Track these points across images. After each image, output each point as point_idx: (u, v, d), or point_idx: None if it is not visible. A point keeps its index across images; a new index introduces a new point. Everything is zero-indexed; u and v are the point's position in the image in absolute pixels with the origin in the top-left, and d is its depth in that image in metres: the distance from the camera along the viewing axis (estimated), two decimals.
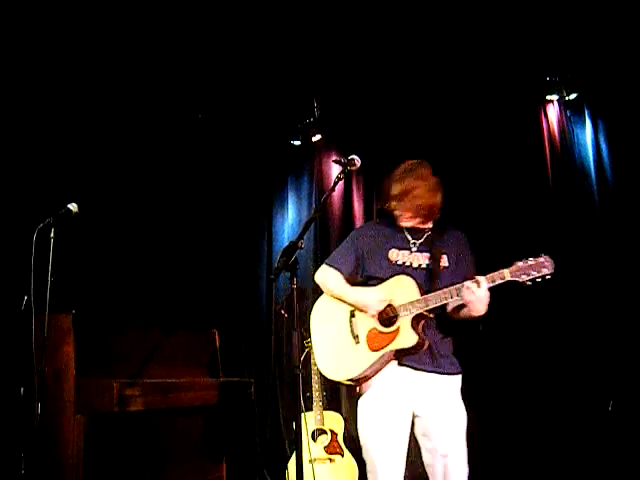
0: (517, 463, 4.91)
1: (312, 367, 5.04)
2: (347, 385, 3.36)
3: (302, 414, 4.02)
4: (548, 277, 2.98)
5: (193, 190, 6.22)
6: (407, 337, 3.11)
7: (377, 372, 3.21)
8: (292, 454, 4.83)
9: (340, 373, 3.27)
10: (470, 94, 5.53)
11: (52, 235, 3.59)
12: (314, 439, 4.93)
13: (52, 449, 3.96)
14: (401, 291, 3.17)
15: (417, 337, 3.09)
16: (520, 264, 3.03)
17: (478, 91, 5.51)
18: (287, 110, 6.37)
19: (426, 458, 3.19)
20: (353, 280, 3.39)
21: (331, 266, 3.43)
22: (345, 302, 3.33)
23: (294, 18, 5.21)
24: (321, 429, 4.96)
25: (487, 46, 5.31)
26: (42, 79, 5.12)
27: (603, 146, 5.20)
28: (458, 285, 3.04)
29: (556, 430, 4.85)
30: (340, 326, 3.31)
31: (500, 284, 3.02)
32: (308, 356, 5.02)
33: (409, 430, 3.21)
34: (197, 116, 6.26)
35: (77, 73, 5.27)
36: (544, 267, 3.00)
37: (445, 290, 3.08)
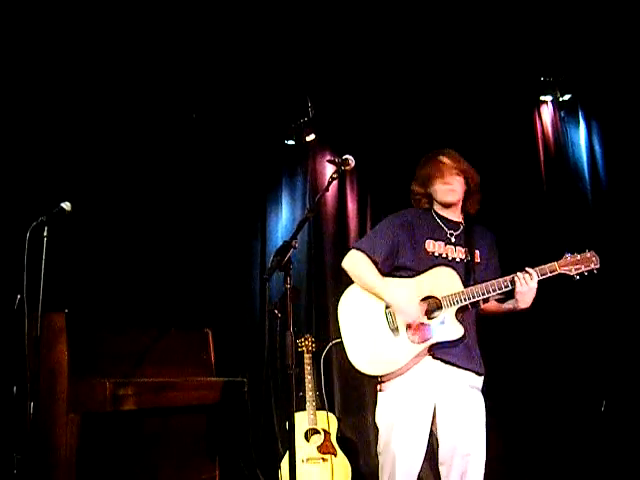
0: (509, 463, 4.92)
1: (305, 367, 5.04)
2: (371, 378, 3.29)
3: (295, 414, 4.02)
4: (595, 272, 3.11)
5: (187, 190, 6.21)
6: (453, 329, 3.12)
7: (412, 366, 3.18)
8: (285, 454, 4.83)
9: (379, 367, 3.19)
10: (464, 94, 5.53)
11: (45, 234, 3.58)
12: (307, 439, 4.93)
13: (45, 449, 3.96)
14: (443, 282, 3.17)
15: (463, 329, 3.10)
16: (569, 258, 3.13)
17: (472, 91, 5.51)
18: (281, 110, 6.36)
19: (443, 456, 3.15)
20: (384, 269, 3.32)
21: (364, 252, 3.31)
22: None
23: (288, 18, 5.21)
24: (314, 429, 4.96)
25: (481, 47, 5.31)
26: (36, 78, 5.11)
27: (597, 147, 5.21)
28: (508, 277, 3.12)
29: (549, 430, 4.86)
30: (375, 318, 3.24)
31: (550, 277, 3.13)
32: (301, 356, 5.02)
33: (428, 427, 3.17)
34: (191, 116, 6.25)
35: (71, 72, 5.25)
36: (592, 262, 3.11)
37: (495, 281, 3.12)
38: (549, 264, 3.14)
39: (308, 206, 6.32)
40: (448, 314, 3.13)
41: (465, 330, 3.13)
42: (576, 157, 5.31)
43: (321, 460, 4.84)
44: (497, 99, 5.46)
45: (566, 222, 5.12)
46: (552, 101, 5.47)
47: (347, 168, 3.15)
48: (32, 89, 5.10)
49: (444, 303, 3.13)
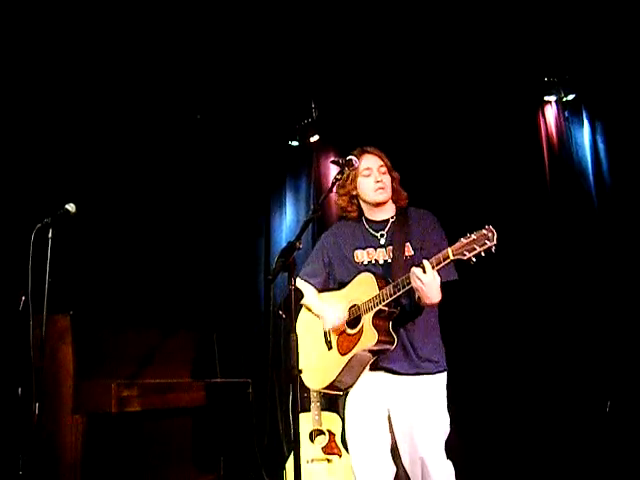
0: (514, 464, 4.91)
1: None
2: (331, 395, 3.30)
3: (300, 414, 4.02)
4: (493, 250, 2.75)
5: (191, 191, 6.23)
6: (369, 336, 3.02)
7: (357, 377, 3.14)
8: (290, 454, 4.83)
9: (317, 382, 3.22)
10: (468, 95, 5.53)
11: (50, 235, 3.59)
12: (312, 440, 4.93)
13: (50, 449, 3.97)
14: (362, 290, 3.09)
15: (377, 335, 2.97)
16: (463, 240, 2.79)
17: (476, 92, 5.51)
18: (285, 111, 6.37)
19: (405, 461, 3.10)
20: (326, 287, 3.35)
21: (301, 278, 3.38)
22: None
23: (292, 19, 5.21)
24: (319, 430, 4.95)
25: (485, 47, 5.31)
26: (41, 80, 5.12)
27: (601, 147, 5.21)
28: (405, 275, 2.92)
29: (554, 431, 4.85)
30: (316, 335, 3.26)
31: (446, 264, 2.83)
32: None
33: (387, 436, 3.14)
34: (195, 117, 6.26)
35: (76, 74, 5.27)
36: (487, 239, 2.75)
37: (397, 281, 2.96)
38: (442, 252, 2.82)
39: (312, 207, 6.31)
40: (365, 321, 3.04)
41: (388, 335, 3.01)
42: (580, 157, 5.30)
43: (326, 461, 4.84)
44: (501, 99, 5.46)
45: (570, 221, 5.12)
46: (556, 101, 5.47)
47: (351, 169, 3.14)
48: (37, 91, 5.12)
49: (362, 310, 3.07)
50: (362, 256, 3.24)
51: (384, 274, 3.11)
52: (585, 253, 5.01)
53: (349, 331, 3.12)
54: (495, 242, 2.74)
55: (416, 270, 2.82)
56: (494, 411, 5.04)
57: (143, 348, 4.72)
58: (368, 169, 3.25)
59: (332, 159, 3.28)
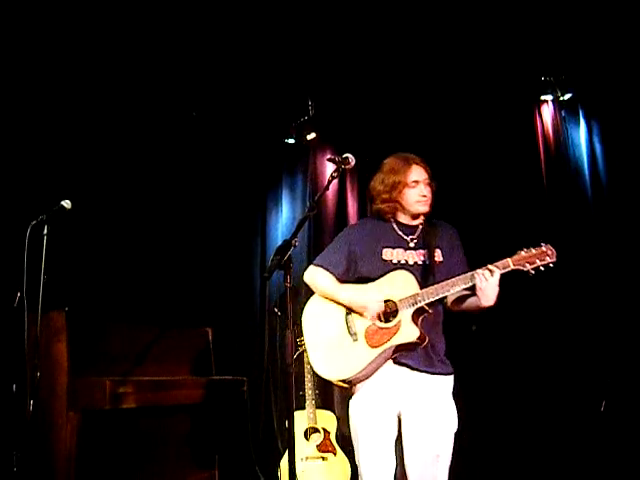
0: (509, 463, 4.92)
1: (305, 366, 5.04)
2: (340, 387, 3.32)
3: (295, 412, 4.02)
4: (551, 265, 3.01)
5: (187, 188, 6.21)
6: (409, 331, 3.08)
7: (374, 371, 3.16)
8: (285, 452, 4.83)
9: (338, 373, 3.20)
10: (465, 93, 5.54)
11: (45, 232, 3.58)
12: (307, 437, 4.93)
13: (44, 446, 3.96)
14: (399, 286, 3.14)
15: (419, 331, 3.06)
16: (523, 253, 3.04)
17: (473, 91, 5.51)
18: (281, 108, 6.36)
19: (410, 460, 3.13)
20: (343, 280, 3.33)
21: (320, 266, 3.35)
22: (339, 303, 3.27)
23: (289, 16, 5.20)
24: (314, 427, 4.96)
25: (482, 46, 5.31)
26: (35, 76, 5.10)
27: (597, 146, 5.21)
28: (468, 273, 3.05)
29: (548, 430, 4.86)
30: (336, 325, 3.25)
31: (506, 273, 3.05)
32: (301, 355, 5.02)
33: (394, 431, 3.17)
34: (191, 114, 6.25)
35: (71, 70, 5.25)
36: (547, 256, 3.01)
37: (451, 280, 3.06)
38: (502, 260, 3.05)
39: (308, 205, 6.32)
40: (404, 317, 3.10)
41: (424, 333, 3.10)
42: (576, 156, 5.31)
43: (321, 459, 4.84)
44: (498, 98, 5.47)
45: (566, 221, 5.13)
46: (553, 100, 5.47)
47: (347, 167, 3.15)
48: (32, 88, 5.10)
49: (400, 306, 3.11)
50: (391, 255, 3.27)
51: (415, 275, 3.17)
52: (581, 252, 5.02)
53: (381, 325, 3.13)
54: (555, 260, 3.01)
55: (484, 271, 3.01)
56: (488, 410, 5.05)
57: (138, 345, 4.72)
58: (415, 182, 3.30)
59: (329, 157, 3.27)
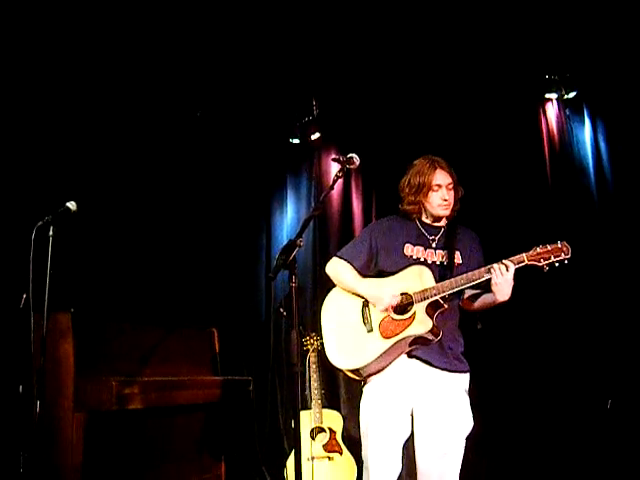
0: (515, 461, 4.92)
1: (311, 365, 5.04)
2: (352, 378, 3.35)
3: (301, 412, 4.02)
4: (566, 262, 3.04)
5: (192, 188, 6.22)
6: (422, 323, 3.10)
7: (388, 364, 3.20)
8: (291, 452, 4.83)
9: (351, 362, 3.24)
10: (469, 92, 5.53)
11: (51, 233, 3.58)
12: (313, 437, 4.93)
13: (51, 448, 3.97)
14: (416, 279, 3.19)
15: (432, 322, 3.09)
16: (539, 249, 3.07)
17: (477, 89, 5.51)
18: (286, 108, 6.36)
19: (420, 456, 3.17)
20: (364, 274, 3.39)
21: (343, 259, 3.42)
22: (357, 295, 3.33)
23: (293, 16, 5.21)
24: (320, 427, 4.96)
25: (486, 44, 5.31)
26: (41, 77, 5.11)
27: (602, 145, 5.20)
28: (483, 268, 3.10)
29: (554, 428, 4.85)
30: (352, 316, 3.31)
31: (520, 269, 3.09)
32: (307, 354, 5.03)
33: (406, 429, 3.19)
34: (196, 114, 6.26)
35: (76, 72, 5.26)
36: (562, 252, 3.04)
37: (465, 274, 3.11)
38: (517, 255, 3.09)
39: (313, 204, 6.32)
40: (419, 309, 3.13)
41: (438, 327, 3.13)
42: (581, 155, 5.30)
43: (327, 458, 4.85)
44: (502, 97, 5.46)
45: (571, 219, 5.12)
46: (557, 99, 5.46)
47: (352, 167, 3.15)
48: (38, 89, 5.11)
49: (415, 298, 3.15)
50: (412, 251, 3.33)
51: (437, 272, 3.23)
52: (586, 251, 5.01)
53: (396, 317, 3.18)
54: (570, 256, 3.04)
55: (500, 266, 3.06)
56: (494, 409, 5.04)
57: (144, 345, 4.72)
58: (438, 186, 3.36)
59: (333, 157, 3.27)
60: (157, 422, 4.56)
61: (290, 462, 4.78)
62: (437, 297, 3.11)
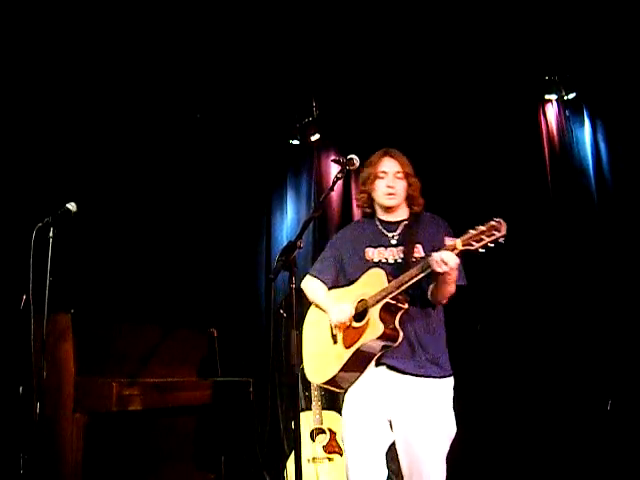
0: (514, 462, 4.91)
1: None
2: (335, 392, 3.29)
3: (301, 413, 4.02)
4: (502, 241, 2.74)
5: (192, 190, 6.23)
6: (373, 328, 2.98)
7: (360, 373, 3.09)
8: (291, 453, 4.83)
9: (319, 376, 3.19)
10: (469, 93, 5.53)
11: (51, 234, 3.59)
12: (313, 438, 4.93)
13: (51, 448, 3.97)
14: (372, 284, 3.07)
15: (382, 326, 2.93)
16: (471, 232, 2.79)
17: (477, 90, 5.51)
18: (286, 109, 6.37)
19: (403, 465, 3.05)
20: (337, 285, 3.32)
21: (312, 275, 3.38)
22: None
23: (293, 17, 5.21)
24: (320, 428, 4.95)
25: (486, 45, 5.31)
26: (42, 79, 5.12)
27: (602, 145, 5.20)
28: (423, 261, 2.90)
29: (555, 430, 4.85)
30: (323, 331, 3.24)
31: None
32: None
33: (386, 437, 3.09)
34: (196, 115, 6.26)
35: (76, 73, 5.27)
36: (495, 230, 2.74)
37: (413, 269, 2.93)
38: (450, 242, 2.81)
39: (313, 206, 6.32)
40: (372, 314, 3.00)
41: (395, 330, 2.98)
42: (581, 156, 5.30)
43: (327, 460, 4.84)
44: (502, 98, 5.46)
45: (571, 220, 5.12)
46: (557, 100, 5.46)
47: (352, 168, 3.14)
48: (39, 91, 5.12)
49: (369, 304, 3.03)
50: (373, 254, 3.23)
51: (393, 273, 3.07)
52: (586, 252, 5.01)
53: (355, 325, 3.08)
54: (504, 233, 2.74)
55: (440, 254, 2.80)
56: (494, 410, 5.04)
57: (144, 347, 4.72)
58: (384, 172, 3.26)
59: (333, 158, 3.26)
60: (157, 423, 4.56)
61: (290, 463, 4.78)
62: (387, 299, 2.97)
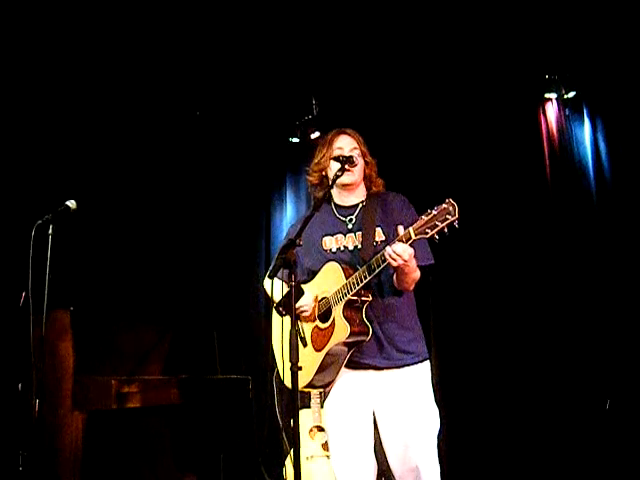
0: (511, 462, 4.91)
1: None
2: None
3: (299, 411, 4.02)
4: (455, 224, 2.59)
5: (191, 188, 6.22)
6: (341, 329, 2.88)
7: (336, 373, 3.02)
8: (290, 451, 4.83)
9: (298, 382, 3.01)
10: (469, 92, 5.53)
11: (50, 232, 3.58)
12: (312, 436, 4.93)
13: (50, 446, 3.97)
14: (331, 280, 2.98)
15: (348, 327, 2.84)
16: (424, 217, 2.65)
17: (477, 89, 5.50)
18: (286, 107, 6.36)
19: (393, 462, 2.99)
20: (302, 280, 3.19)
21: (270, 274, 3.14)
22: None
23: (293, 15, 5.21)
24: (319, 426, 4.96)
25: (486, 44, 5.31)
26: (41, 76, 5.12)
27: (601, 144, 5.20)
28: (379, 254, 2.79)
29: (553, 429, 4.85)
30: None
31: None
32: None
33: (370, 434, 3.03)
34: (195, 113, 6.26)
35: (75, 71, 5.26)
36: (448, 214, 2.59)
37: (364, 267, 2.84)
38: (404, 232, 2.69)
39: (312, 204, 6.31)
40: (336, 314, 2.91)
41: (363, 325, 2.89)
42: (581, 154, 5.30)
43: (326, 457, 4.84)
44: (502, 96, 5.46)
45: (570, 219, 5.12)
46: (557, 98, 5.46)
47: (352, 166, 3.12)
48: (37, 88, 5.11)
49: (332, 302, 2.95)
50: (330, 243, 3.14)
51: (353, 261, 2.98)
52: (585, 250, 5.02)
53: (321, 325, 3.01)
54: (457, 216, 2.59)
55: (393, 247, 2.69)
56: (491, 409, 5.04)
57: (143, 344, 4.73)
58: (340, 149, 3.19)
59: (333, 156, 3.21)
60: (156, 420, 4.57)
61: (289, 461, 4.78)
62: (349, 296, 2.87)
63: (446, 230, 2.62)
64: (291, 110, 6.41)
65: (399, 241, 2.70)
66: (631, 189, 4.91)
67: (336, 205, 3.25)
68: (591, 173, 5.22)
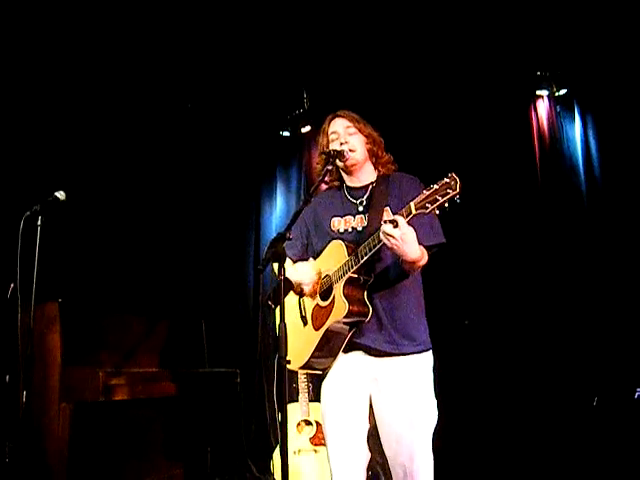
0: (500, 458, 4.93)
1: None
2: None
3: (287, 405, 4.02)
4: (457, 199, 2.59)
5: (181, 180, 6.21)
6: (339, 307, 2.83)
7: (336, 354, 2.96)
8: (277, 445, 4.84)
9: (294, 361, 2.97)
10: (460, 89, 5.53)
11: (39, 223, 3.57)
12: (299, 430, 4.94)
13: (37, 437, 3.96)
14: (333, 258, 2.95)
15: (347, 305, 2.79)
16: (425, 192, 2.63)
17: (468, 86, 5.51)
18: (277, 101, 6.35)
19: (388, 451, 2.94)
20: (304, 258, 3.16)
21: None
22: None
23: (284, 9, 5.19)
24: (307, 420, 4.96)
25: (478, 41, 5.31)
26: (30, 67, 5.09)
27: (592, 142, 5.22)
28: (376, 233, 2.74)
29: (540, 426, 4.88)
30: (293, 311, 3.11)
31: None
32: None
33: (366, 419, 2.98)
34: (186, 106, 6.24)
35: (66, 62, 5.23)
36: (449, 188, 2.59)
37: (363, 244, 2.80)
38: (405, 207, 2.66)
39: (303, 197, 6.31)
40: (337, 292, 2.86)
41: (363, 305, 2.84)
42: (571, 152, 5.32)
43: (313, 451, 4.85)
44: (493, 93, 5.47)
45: (560, 217, 5.14)
46: (548, 96, 5.48)
47: (342, 160, 3.11)
48: (25, 79, 5.08)
49: (333, 280, 2.91)
50: (339, 224, 3.11)
51: (360, 242, 2.90)
52: (575, 248, 5.04)
53: (322, 303, 2.96)
54: (458, 191, 2.59)
55: (385, 227, 2.66)
56: (481, 405, 5.06)
57: (131, 336, 4.71)
58: (335, 132, 3.20)
59: (322, 151, 3.19)
60: (143, 413, 4.56)
61: (276, 455, 4.78)
62: (350, 274, 2.83)
63: (447, 205, 2.60)
64: (282, 103, 6.40)
65: (400, 216, 2.66)
66: (621, 186, 4.93)
67: (347, 187, 3.22)
68: (581, 170, 5.24)
